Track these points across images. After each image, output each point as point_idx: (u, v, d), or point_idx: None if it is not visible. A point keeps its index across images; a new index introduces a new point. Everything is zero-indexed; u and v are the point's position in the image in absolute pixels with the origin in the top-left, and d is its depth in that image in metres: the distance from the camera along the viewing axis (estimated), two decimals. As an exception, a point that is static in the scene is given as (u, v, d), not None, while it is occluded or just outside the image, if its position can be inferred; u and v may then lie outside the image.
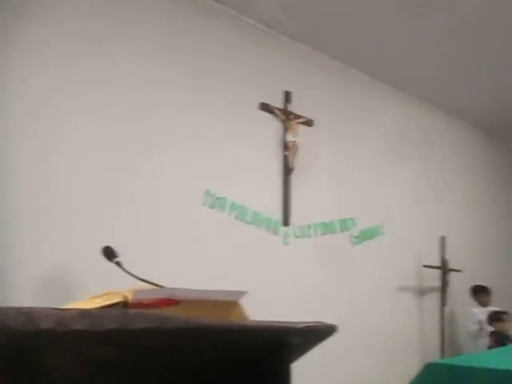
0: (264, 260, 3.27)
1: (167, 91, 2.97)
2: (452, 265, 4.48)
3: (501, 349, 3.24)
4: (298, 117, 3.59)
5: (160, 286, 1.22)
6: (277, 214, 3.44)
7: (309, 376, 2.60)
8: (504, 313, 4.50)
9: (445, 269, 4.44)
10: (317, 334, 0.96)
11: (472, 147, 5.47)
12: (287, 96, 3.58)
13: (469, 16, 3.46)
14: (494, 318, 4.48)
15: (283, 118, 3.53)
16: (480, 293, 4.65)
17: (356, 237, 3.92)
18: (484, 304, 4.59)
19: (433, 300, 4.45)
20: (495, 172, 5.75)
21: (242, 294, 1.01)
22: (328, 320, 1.00)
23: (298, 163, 3.53)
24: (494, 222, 5.53)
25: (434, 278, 4.42)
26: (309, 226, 3.60)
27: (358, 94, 4.19)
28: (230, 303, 1.02)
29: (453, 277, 4.49)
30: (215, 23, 3.28)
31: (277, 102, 3.53)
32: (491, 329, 4.41)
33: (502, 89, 4.58)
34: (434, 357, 4.10)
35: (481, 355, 2.47)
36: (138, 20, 2.91)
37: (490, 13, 3.41)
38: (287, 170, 3.50)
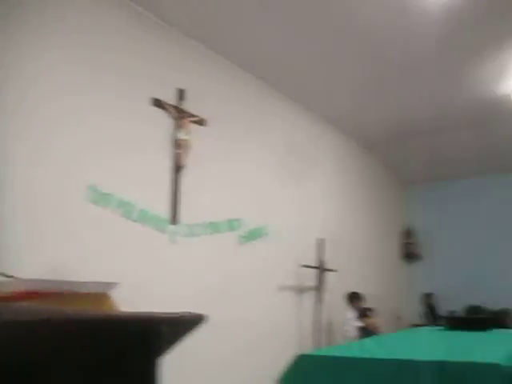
0: (150, 258, 3.21)
1: (59, 82, 2.81)
2: (328, 265, 4.83)
3: (369, 338, 3.49)
4: (191, 115, 3.60)
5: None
6: (165, 212, 3.40)
7: (182, 371, 2.62)
8: (369, 309, 4.99)
9: (321, 268, 4.77)
10: (185, 323, 0.98)
11: (351, 156, 5.98)
12: (181, 94, 3.57)
13: (358, 34, 3.79)
14: (362, 313, 4.94)
15: (176, 115, 3.51)
16: (354, 299, 5.07)
17: (243, 237, 4.04)
18: (358, 309, 5.01)
19: (310, 298, 4.75)
20: (371, 180, 6.36)
21: (111, 285, 0.99)
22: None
23: (189, 162, 3.54)
24: (367, 225, 6.10)
25: (312, 278, 4.73)
26: (197, 225, 3.62)
27: (251, 96, 4.34)
28: (99, 295, 1.00)
29: (329, 276, 4.84)
30: (113, 14, 3.17)
31: (170, 99, 3.50)
32: (360, 324, 4.85)
33: (382, 106, 5.07)
34: (310, 350, 4.39)
35: (350, 346, 2.62)
36: (35, 13, 2.71)
37: (377, 32, 3.78)
38: (177, 168, 3.49)
